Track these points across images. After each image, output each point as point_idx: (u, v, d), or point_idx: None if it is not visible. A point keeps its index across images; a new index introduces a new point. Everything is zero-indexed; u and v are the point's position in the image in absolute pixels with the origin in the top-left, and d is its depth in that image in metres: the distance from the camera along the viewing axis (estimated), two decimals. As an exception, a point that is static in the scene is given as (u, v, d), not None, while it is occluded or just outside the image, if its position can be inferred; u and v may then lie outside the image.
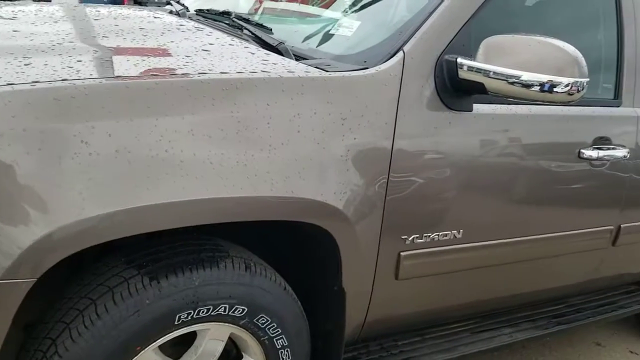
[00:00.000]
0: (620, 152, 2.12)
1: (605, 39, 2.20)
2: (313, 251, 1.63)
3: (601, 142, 2.07)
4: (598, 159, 2.05)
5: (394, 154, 1.57)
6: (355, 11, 1.91)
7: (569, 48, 1.55)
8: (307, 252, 1.67)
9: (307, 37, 1.84)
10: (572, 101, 1.58)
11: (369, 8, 1.89)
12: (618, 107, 2.16)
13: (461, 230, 1.79)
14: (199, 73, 1.35)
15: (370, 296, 1.70)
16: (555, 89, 1.55)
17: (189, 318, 1.35)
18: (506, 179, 1.85)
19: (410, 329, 2.04)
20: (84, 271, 1.38)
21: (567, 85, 1.54)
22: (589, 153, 2.02)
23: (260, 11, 2.33)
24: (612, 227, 2.25)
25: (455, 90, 1.66)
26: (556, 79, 1.54)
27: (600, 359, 2.80)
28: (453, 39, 1.68)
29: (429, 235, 1.73)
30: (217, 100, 1.31)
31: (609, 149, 2.08)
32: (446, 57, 1.65)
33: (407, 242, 1.69)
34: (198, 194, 1.24)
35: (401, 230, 1.66)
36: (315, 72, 1.48)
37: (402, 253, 1.69)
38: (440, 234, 1.75)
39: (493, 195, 1.84)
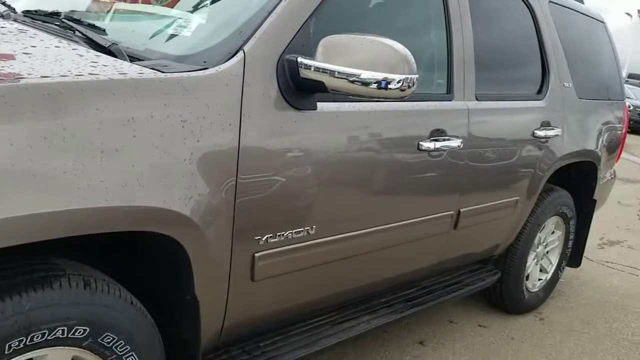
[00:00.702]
0: (455, 142, 2.29)
1: (437, 39, 2.36)
2: (163, 261, 1.56)
3: (437, 134, 2.22)
4: (435, 149, 2.19)
5: (241, 155, 1.56)
6: (196, 11, 1.86)
7: (399, 47, 1.63)
8: (157, 262, 1.60)
9: (147, 38, 1.76)
10: (405, 96, 1.67)
11: (209, 7, 1.86)
12: (450, 100, 2.33)
13: (314, 226, 1.83)
14: (16, 78, 1.23)
15: (227, 301, 1.67)
16: (389, 86, 1.62)
17: (21, 346, 1.23)
18: (353, 174, 1.91)
19: (274, 329, 2.04)
20: None
21: (399, 82, 1.63)
22: (427, 145, 2.16)
23: (105, 11, 2.19)
24: (452, 212, 2.43)
25: (298, 90, 1.69)
26: (390, 76, 1.62)
27: (454, 334, 3.01)
28: (293, 38, 1.70)
29: (283, 234, 1.74)
30: (38, 106, 1.20)
31: (444, 140, 2.24)
32: (287, 56, 1.66)
33: (261, 242, 1.68)
34: (18, 209, 1.12)
35: (254, 231, 1.66)
36: (150, 74, 1.42)
37: (256, 254, 1.68)
38: (294, 231, 1.77)
39: (342, 190, 1.90)
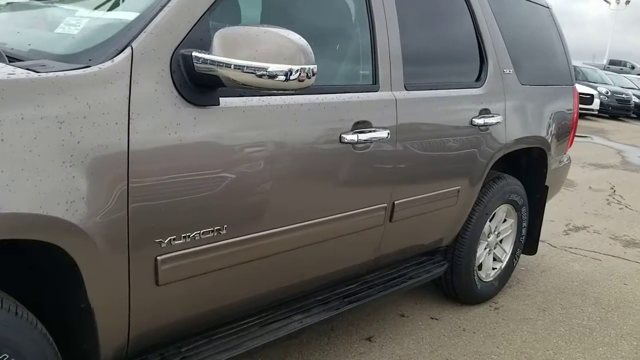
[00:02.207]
0: (382, 134, 2.24)
1: (360, 29, 2.32)
2: (52, 269, 1.50)
3: (362, 125, 2.17)
4: (360, 142, 2.15)
5: (132, 156, 1.50)
6: (86, 8, 1.80)
7: (294, 37, 1.58)
8: (47, 271, 1.53)
9: (33, 38, 1.70)
10: (305, 87, 1.62)
11: (99, 5, 1.80)
12: (376, 92, 2.28)
13: (225, 226, 1.77)
14: None
15: (129, 308, 1.61)
16: (277, 78, 1.57)
17: None
18: (267, 170, 1.86)
19: (196, 332, 1.99)
20: None
21: (296, 72, 1.58)
22: (350, 137, 2.11)
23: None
24: (385, 204, 2.38)
25: (197, 85, 1.63)
26: (281, 67, 1.56)
27: (404, 328, 2.97)
28: (189, 32, 1.64)
29: (189, 235, 1.68)
30: None
31: (370, 131, 2.20)
32: (182, 51, 1.61)
33: (164, 245, 1.63)
34: None
35: (154, 234, 1.60)
36: (21, 74, 1.35)
37: (159, 257, 1.62)
38: (201, 232, 1.71)
39: (256, 188, 1.84)
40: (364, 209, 2.29)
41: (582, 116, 17.40)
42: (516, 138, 3.11)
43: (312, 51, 1.61)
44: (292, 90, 1.62)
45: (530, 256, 4.20)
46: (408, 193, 2.49)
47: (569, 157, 3.93)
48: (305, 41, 1.60)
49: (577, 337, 3.10)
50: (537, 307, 3.42)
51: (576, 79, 15.43)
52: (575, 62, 22.63)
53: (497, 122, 2.93)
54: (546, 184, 3.54)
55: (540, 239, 4.70)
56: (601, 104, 17.81)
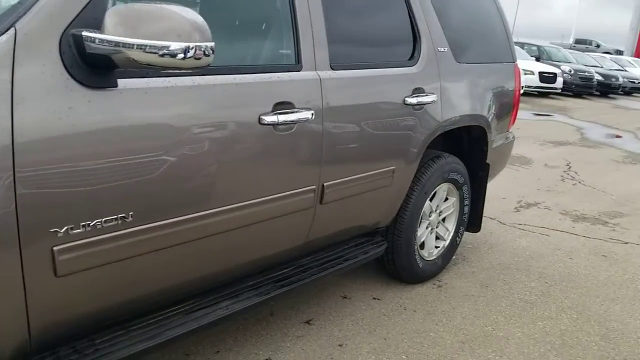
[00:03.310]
0: (306, 115, 2.20)
1: (280, 7, 2.26)
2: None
3: (283, 106, 2.13)
4: (282, 123, 2.10)
5: (17, 145, 1.43)
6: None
7: (189, 14, 1.52)
8: None
9: None
10: (202, 66, 1.57)
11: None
12: (299, 71, 2.24)
13: (131, 214, 1.72)
14: None
15: (25, 300, 1.55)
16: (178, 56, 1.52)
17: None
18: (179, 154, 1.80)
19: (114, 323, 1.94)
20: None
21: (192, 49, 1.52)
22: (270, 118, 2.06)
23: None
24: (314, 186, 2.35)
25: (91, 67, 1.57)
26: (177, 45, 1.51)
27: (344, 310, 2.97)
28: (81, 11, 1.57)
29: (89, 224, 1.62)
30: None
31: (292, 112, 2.15)
32: (72, 31, 1.54)
33: (60, 235, 1.56)
34: None
35: (48, 224, 1.53)
36: None
37: (55, 248, 1.56)
38: (103, 220, 1.65)
39: (166, 173, 1.78)
40: (290, 192, 2.25)
41: (545, 95, 17.67)
42: (453, 117, 3.10)
43: (208, 28, 1.55)
44: (190, 68, 1.56)
45: (478, 233, 4.24)
46: (338, 175, 2.46)
47: (513, 135, 3.95)
48: (201, 18, 1.54)
49: (518, 312, 3.13)
50: (480, 283, 3.45)
51: (540, 58, 15.50)
52: (542, 42, 22.86)
53: (432, 101, 2.91)
54: (488, 161, 3.55)
55: (490, 216, 4.79)
56: (564, 82, 18.03)
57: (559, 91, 17.78)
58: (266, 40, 2.26)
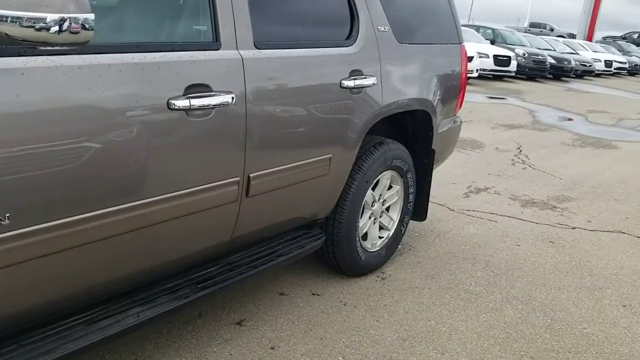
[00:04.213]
0: (224, 98, 1.98)
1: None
2: None
3: (197, 89, 1.90)
4: (195, 108, 1.88)
5: None
6: None
7: (60, -21, 1.28)
8: None
9: None
10: (81, 42, 1.35)
11: None
12: (217, 50, 2.01)
13: (7, 215, 1.47)
14: None
15: None
16: (52, 29, 1.28)
17: None
18: (66, 144, 1.57)
19: (3, 337, 1.70)
20: None
21: (66, 21, 1.29)
22: (180, 103, 1.84)
23: None
24: (238, 178, 2.14)
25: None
26: (51, 17, 1.27)
27: (281, 308, 2.78)
28: None
29: (-47, 229, 1.38)
30: None
31: (208, 96, 1.93)
32: None
33: None
34: None
35: None
36: None
37: None
38: (-29, 224, 1.41)
39: (50, 167, 1.55)
40: (210, 185, 2.04)
41: (499, 78, 17.81)
42: (394, 101, 2.93)
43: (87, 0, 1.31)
44: (67, 44, 1.33)
45: (426, 221, 4.12)
46: (266, 165, 2.26)
47: (460, 119, 3.82)
48: (74, -14, 1.30)
49: (462, 305, 3.01)
50: (425, 274, 3.32)
51: (495, 42, 15.56)
52: (497, 25, 23.02)
53: (372, 84, 2.73)
54: (433, 147, 3.41)
55: (439, 202, 4.68)
56: (518, 65, 18.21)
57: (513, 74, 17.95)
58: (177, 15, 2.02)
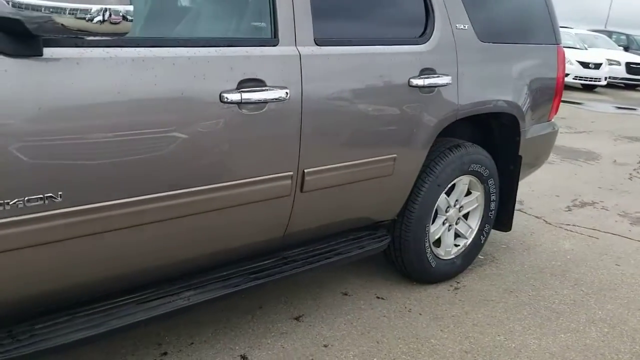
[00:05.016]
0: (278, 93, 2.01)
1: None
2: None
3: (251, 84, 1.95)
4: (247, 101, 1.93)
5: None
6: None
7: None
8: None
9: None
10: (121, 32, 1.43)
11: None
12: (275, 46, 2.05)
13: (60, 193, 1.60)
14: None
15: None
16: (96, 19, 1.38)
17: None
18: (123, 132, 1.68)
19: (61, 308, 1.85)
20: None
21: (106, 12, 1.38)
22: (233, 96, 1.89)
23: None
24: (291, 172, 2.16)
25: (7, 33, 1.46)
26: (95, 7, 1.38)
27: (342, 308, 2.76)
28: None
29: (8, 203, 1.52)
30: None
31: (261, 91, 1.97)
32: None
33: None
34: None
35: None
36: None
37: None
38: (26, 199, 1.55)
39: (107, 152, 1.66)
40: (261, 177, 2.07)
41: (633, 87, 16.38)
42: (473, 102, 2.80)
43: (122, -10, 1.40)
44: (107, 34, 1.42)
45: (516, 233, 3.90)
46: (322, 161, 2.26)
47: (556, 125, 3.56)
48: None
49: (539, 322, 2.80)
50: (504, 288, 3.13)
51: (630, 48, 14.34)
52: (634, 31, 21.16)
53: (446, 84, 2.63)
54: (521, 153, 3.20)
55: (536, 214, 4.40)
56: (657, 73, 16.65)
57: (649, 83, 16.45)
58: (237, 11, 2.08)
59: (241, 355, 2.31)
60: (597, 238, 4.02)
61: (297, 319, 2.62)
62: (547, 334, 2.69)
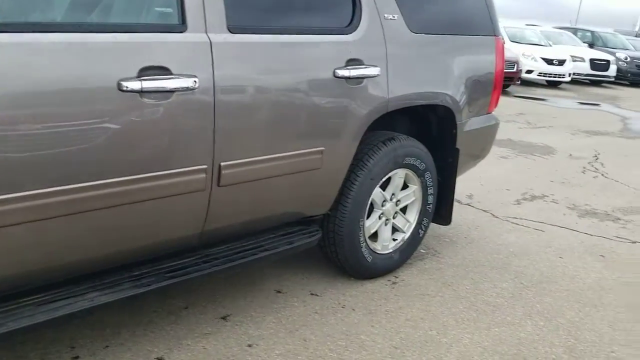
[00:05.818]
0: (185, 83, 1.93)
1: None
2: None
3: (153, 72, 1.86)
4: (148, 90, 1.84)
5: None
6: None
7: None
8: None
9: None
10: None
11: None
12: (182, 32, 1.96)
13: None
14: None
15: None
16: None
17: None
18: (15, 123, 1.58)
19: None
20: None
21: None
22: (132, 85, 1.80)
23: None
24: (206, 165, 2.08)
25: None
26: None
27: (273, 306, 2.68)
28: None
29: None
30: None
31: (165, 79, 1.88)
32: None
33: None
34: None
35: None
36: None
37: None
38: None
39: None
40: (171, 171, 1.99)
41: (597, 83, 16.64)
42: (404, 94, 2.75)
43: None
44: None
45: (462, 227, 3.88)
46: (241, 154, 2.18)
47: (495, 118, 3.53)
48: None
49: (474, 316, 2.76)
50: (442, 281, 3.09)
51: (594, 45, 14.52)
52: (606, 30, 21.43)
53: (375, 75, 2.57)
54: (458, 146, 3.17)
55: (484, 208, 4.39)
56: (619, 70, 16.95)
57: (613, 80, 16.71)
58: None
59: (158, 358, 2.22)
60: (543, 231, 4.02)
61: (224, 318, 2.54)
62: (480, 328, 2.66)
